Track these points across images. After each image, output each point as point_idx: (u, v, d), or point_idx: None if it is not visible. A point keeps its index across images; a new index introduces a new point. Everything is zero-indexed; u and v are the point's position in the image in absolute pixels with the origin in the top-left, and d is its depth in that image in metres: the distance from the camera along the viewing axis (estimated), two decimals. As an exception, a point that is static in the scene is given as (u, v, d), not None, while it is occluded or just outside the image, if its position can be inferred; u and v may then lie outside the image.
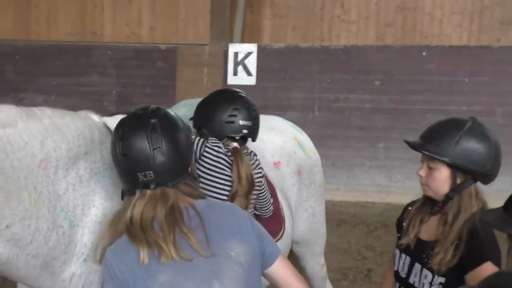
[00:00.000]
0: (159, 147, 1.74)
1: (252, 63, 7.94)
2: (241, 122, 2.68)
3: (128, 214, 1.72)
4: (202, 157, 2.60)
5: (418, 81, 7.46)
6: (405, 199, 7.75)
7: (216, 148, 2.63)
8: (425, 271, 2.16)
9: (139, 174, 1.73)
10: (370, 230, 6.61)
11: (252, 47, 7.97)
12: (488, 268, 1.96)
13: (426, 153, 2.14)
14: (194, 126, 2.79)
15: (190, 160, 1.88)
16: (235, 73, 8.02)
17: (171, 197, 1.74)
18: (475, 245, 2.06)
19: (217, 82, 8.08)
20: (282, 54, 7.93)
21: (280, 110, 7.83)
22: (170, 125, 1.80)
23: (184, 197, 1.77)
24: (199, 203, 1.78)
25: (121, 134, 1.78)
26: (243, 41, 8.54)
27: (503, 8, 8.58)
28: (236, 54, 7.99)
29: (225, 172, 2.61)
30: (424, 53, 7.52)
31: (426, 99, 7.43)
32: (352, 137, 7.67)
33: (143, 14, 8.50)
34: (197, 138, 2.61)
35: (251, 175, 2.64)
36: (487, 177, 2.15)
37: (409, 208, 2.37)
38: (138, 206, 1.72)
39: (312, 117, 7.74)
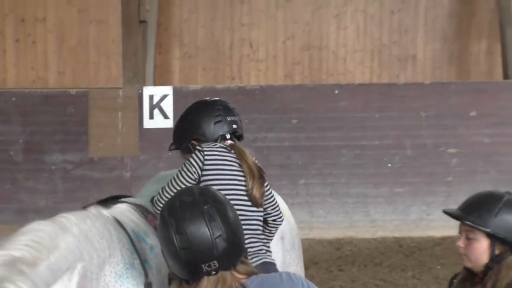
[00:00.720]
0: (221, 235, 1.68)
1: (168, 105, 7.84)
2: (229, 119, 2.86)
3: None
4: (207, 164, 2.64)
5: (333, 118, 7.75)
6: (327, 234, 7.99)
7: (215, 148, 2.71)
8: None
9: (203, 265, 1.66)
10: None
11: (168, 90, 7.87)
12: None
13: (469, 223, 2.21)
14: (180, 146, 2.79)
15: (243, 237, 1.82)
16: (151, 117, 7.86)
17: (228, 280, 1.68)
18: None
19: (132, 126, 7.88)
20: (198, 96, 7.83)
21: (199, 152, 7.81)
22: (223, 208, 1.74)
23: (238, 276, 1.71)
24: (251, 281, 1.71)
25: (176, 227, 1.68)
26: (154, 83, 8.43)
27: (400, 46, 9.21)
28: (151, 97, 7.85)
29: (236, 167, 2.69)
30: (336, 91, 7.84)
31: (341, 135, 7.72)
32: (273, 175, 7.72)
33: (49, 57, 8.11)
34: (194, 153, 2.66)
35: (256, 163, 2.77)
36: None
37: (454, 280, 2.41)
38: None
39: (232, 158, 7.77)
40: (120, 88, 7.90)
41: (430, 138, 7.60)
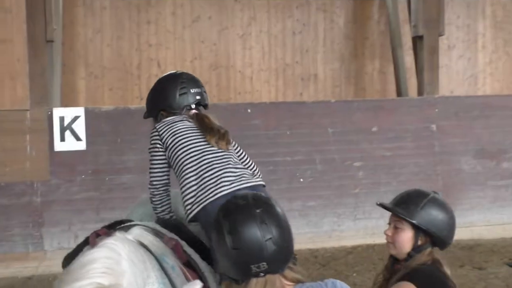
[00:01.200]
0: (271, 238, 1.78)
1: (80, 127, 7.63)
2: (192, 90, 3.12)
3: None
4: (164, 136, 2.98)
5: (247, 136, 7.95)
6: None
7: (168, 120, 3.04)
8: None
9: (252, 266, 1.76)
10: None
11: (79, 111, 7.67)
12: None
13: (398, 214, 2.52)
14: (151, 115, 3.24)
15: (293, 244, 1.93)
16: (62, 139, 7.60)
17: (277, 284, 1.79)
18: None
19: (42, 149, 7.56)
20: (112, 117, 7.77)
21: (115, 173, 7.69)
22: (275, 213, 1.86)
23: (285, 282, 1.82)
24: None
25: (229, 228, 1.78)
26: (62, 104, 8.19)
27: (303, 65, 9.69)
28: (61, 118, 7.59)
29: (194, 129, 3.02)
30: (249, 110, 8.07)
31: (255, 152, 7.88)
32: (190, 194, 7.83)
33: None
34: (151, 134, 3.01)
35: (218, 124, 3.10)
36: (443, 243, 2.57)
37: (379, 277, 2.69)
38: None
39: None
40: (28, 110, 7.57)
41: (337, 153, 8.03)
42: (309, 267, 7.19)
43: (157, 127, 2.99)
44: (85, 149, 7.63)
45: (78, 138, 7.64)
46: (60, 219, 7.62)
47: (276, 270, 1.80)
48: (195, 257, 2.60)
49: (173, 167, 2.93)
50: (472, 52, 10.32)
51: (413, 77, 9.21)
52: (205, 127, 2.96)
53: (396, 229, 2.55)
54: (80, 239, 7.84)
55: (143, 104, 8.72)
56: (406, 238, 2.53)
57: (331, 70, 9.81)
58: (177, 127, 2.94)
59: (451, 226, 2.55)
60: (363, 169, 8.08)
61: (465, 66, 10.31)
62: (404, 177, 8.20)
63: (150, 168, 2.95)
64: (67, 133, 7.61)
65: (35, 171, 7.57)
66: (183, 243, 2.57)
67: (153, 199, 2.97)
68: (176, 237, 2.59)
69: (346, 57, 9.87)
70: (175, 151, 2.89)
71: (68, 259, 2.70)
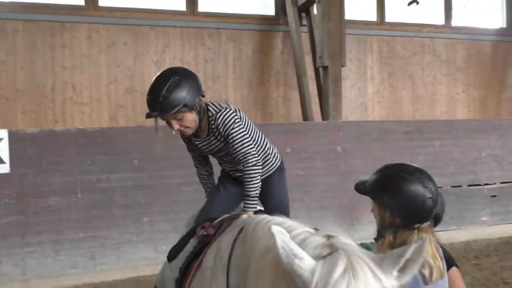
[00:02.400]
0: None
1: (3, 150, 7.44)
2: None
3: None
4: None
5: (172, 157, 8.22)
6: (173, 267, 8.17)
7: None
8: None
9: (434, 209, 2.49)
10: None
11: (3, 133, 7.48)
12: None
13: (371, 197, 2.75)
14: (191, 102, 3.31)
15: None
16: (-17, 162, 7.37)
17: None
18: None
19: (-38, 173, 7.27)
20: (36, 139, 7.64)
21: (41, 196, 7.58)
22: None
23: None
24: None
25: (431, 188, 2.54)
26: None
27: (214, 91, 10.15)
28: (-18, 141, 7.38)
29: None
30: (174, 132, 8.32)
31: (180, 173, 8.22)
32: (118, 215, 7.89)
33: None
34: (236, 114, 3.41)
35: None
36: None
37: None
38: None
39: (75, 200, 7.66)
40: None
41: (257, 173, 8.55)
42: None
43: (236, 112, 3.34)
44: (9, 171, 7.44)
45: (1, 161, 7.43)
46: (-18, 245, 7.33)
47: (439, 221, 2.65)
48: None
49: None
50: (362, 82, 11.47)
51: (313, 103, 10.07)
52: None
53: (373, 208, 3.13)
54: (5, 265, 7.74)
55: (60, 127, 8.73)
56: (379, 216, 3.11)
57: (240, 95, 10.39)
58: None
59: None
60: (280, 188, 8.64)
61: (357, 95, 11.42)
62: (315, 194, 8.91)
63: (246, 142, 3.23)
64: (-11, 156, 7.39)
65: (-46, 196, 7.25)
66: None
67: (258, 164, 3.22)
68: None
69: (254, 84, 10.52)
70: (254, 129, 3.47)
71: (173, 252, 2.90)
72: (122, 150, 7.99)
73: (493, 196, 10.51)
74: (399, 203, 2.50)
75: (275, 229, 1.76)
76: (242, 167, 3.23)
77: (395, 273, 1.67)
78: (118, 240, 7.84)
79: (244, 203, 3.12)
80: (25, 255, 7.47)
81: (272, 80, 10.69)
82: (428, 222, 2.61)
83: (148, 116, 3.15)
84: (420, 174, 2.57)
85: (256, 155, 3.19)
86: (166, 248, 7.97)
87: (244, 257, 2.22)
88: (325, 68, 9.42)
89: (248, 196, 3.12)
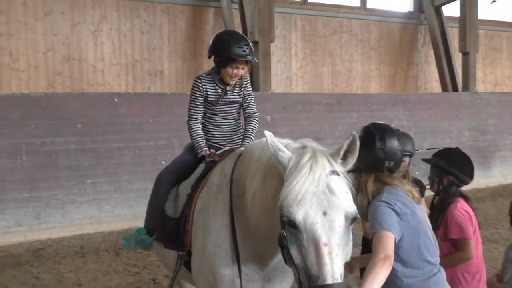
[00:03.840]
0: (400, 149, 2.97)
1: None
2: None
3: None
4: None
5: (114, 123, 8.66)
6: (115, 227, 8.81)
7: None
8: None
9: (386, 162, 2.91)
10: (99, 256, 7.30)
11: None
12: None
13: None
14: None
15: None
16: None
17: (395, 178, 3.00)
18: None
19: None
20: (-18, 103, 7.86)
21: (-14, 158, 7.81)
22: (405, 138, 3.23)
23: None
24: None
25: (380, 136, 2.92)
26: None
27: (150, 62, 10.62)
28: None
29: None
30: (116, 99, 8.77)
31: (122, 138, 8.68)
32: (62, 177, 8.25)
33: None
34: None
35: None
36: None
37: None
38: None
39: (20, 162, 7.95)
40: None
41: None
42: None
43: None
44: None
45: None
46: None
47: (393, 171, 2.97)
48: None
49: None
50: (287, 58, 12.29)
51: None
52: None
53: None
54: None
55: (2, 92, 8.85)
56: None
57: (174, 67, 10.88)
58: None
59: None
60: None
61: (282, 69, 12.23)
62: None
63: (253, 100, 3.94)
64: None
65: None
66: None
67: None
68: None
69: (187, 56, 11.03)
70: None
71: (182, 174, 3.66)
72: (66, 115, 8.33)
73: (401, 163, 11.75)
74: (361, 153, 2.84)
75: (267, 132, 2.52)
76: (248, 119, 3.90)
77: (339, 161, 2.43)
78: (62, 200, 8.23)
79: (244, 142, 3.80)
80: (-29, 214, 7.73)
81: (205, 54, 11.19)
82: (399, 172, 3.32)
83: (243, 55, 3.58)
84: (385, 133, 3.05)
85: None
86: (110, 207, 8.58)
87: (243, 171, 2.90)
88: (255, 43, 10.11)
89: (248, 138, 3.86)
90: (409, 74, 14.01)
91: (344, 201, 2.32)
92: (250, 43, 3.72)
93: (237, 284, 2.95)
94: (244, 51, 3.59)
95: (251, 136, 3.85)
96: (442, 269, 2.91)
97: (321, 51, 12.68)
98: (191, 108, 3.84)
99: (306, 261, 2.23)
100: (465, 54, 12.96)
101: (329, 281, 2.15)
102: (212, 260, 3.01)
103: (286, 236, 2.30)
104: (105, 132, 8.56)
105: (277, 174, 2.51)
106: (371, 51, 13.40)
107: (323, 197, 2.29)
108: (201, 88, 3.76)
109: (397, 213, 2.76)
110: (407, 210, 2.81)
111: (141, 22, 10.55)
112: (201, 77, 3.82)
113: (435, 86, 14.15)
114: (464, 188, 3.77)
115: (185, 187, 3.48)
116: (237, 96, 3.84)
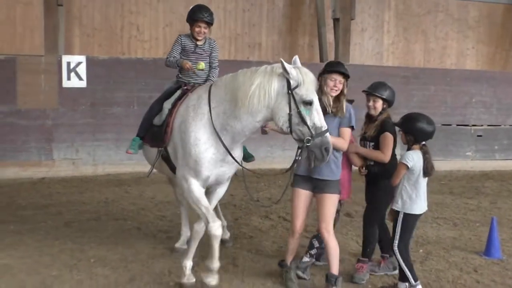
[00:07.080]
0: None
1: (82, 70, 10.17)
2: None
3: None
4: None
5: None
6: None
7: None
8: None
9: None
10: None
11: (82, 58, 10.20)
12: None
13: (375, 94, 5.07)
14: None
15: None
16: (68, 79, 10.12)
17: None
18: None
19: (53, 86, 10.08)
20: (106, 64, 10.35)
21: (108, 106, 10.31)
22: None
23: None
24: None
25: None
26: (65, 53, 10.64)
27: (250, 36, 12.46)
28: (68, 63, 10.11)
29: None
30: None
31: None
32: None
33: (-19, 30, 9.99)
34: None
35: None
36: (392, 104, 5.13)
37: None
38: None
39: (132, 111, 10.32)
40: (43, 55, 10.03)
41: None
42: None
43: None
44: (85, 86, 10.19)
45: (80, 79, 10.18)
46: (65, 138, 10.19)
47: None
48: None
49: None
50: (379, 35, 13.38)
51: (332, 50, 12.17)
52: None
53: (374, 102, 5.09)
54: (80, 154, 10.41)
55: (126, 56, 11.34)
56: (379, 106, 5.12)
57: (271, 41, 12.62)
58: None
59: (394, 95, 5.20)
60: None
61: (374, 45, 13.36)
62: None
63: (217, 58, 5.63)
64: (72, 74, 10.13)
65: (47, 102, 10.08)
66: None
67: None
68: None
69: (283, 32, 12.70)
70: None
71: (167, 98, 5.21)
72: (168, 75, 10.42)
73: (479, 136, 12.37)
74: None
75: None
76: (211, 69, 5.52)
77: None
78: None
79: (207, 81, 5.40)
80: (95, 147, 10.31)
81: (299, 30, 12.83)
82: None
83: (201, 17, 5.21)
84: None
85: None
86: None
87: (219, 91, 4.36)
88: (337, 20, 11.47)
89: (210, 79, 5.42)
90: (511, 53, 14.24)
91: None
92: (211, 11, 5.32)
93: (209, 157, 4.34)
94: (203, 15, 5.25)
95: (212, 79, 5.45)
96: None
97: (414, 29, 13.54)
98: (171, 52, 5.50)
99: (314, 120, 3.97)
100: None
101: (325, 126, 4.01)
102: (193, 147, 4.37)
103: (301, 111, 3.95)
104: (199, 91, 10.57)
105: (276, 78, 4.02)
106: (468, 30, 13.90)
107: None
108: (180, 41, 5.46)
109: None
110: None
111: (244, 1, 12.40)
112: (182, 35, 5.52)
113: (538, 65, 14.23)
114: None
115: (167, 104, 5.16)
116: (206, 51, 5.49)
